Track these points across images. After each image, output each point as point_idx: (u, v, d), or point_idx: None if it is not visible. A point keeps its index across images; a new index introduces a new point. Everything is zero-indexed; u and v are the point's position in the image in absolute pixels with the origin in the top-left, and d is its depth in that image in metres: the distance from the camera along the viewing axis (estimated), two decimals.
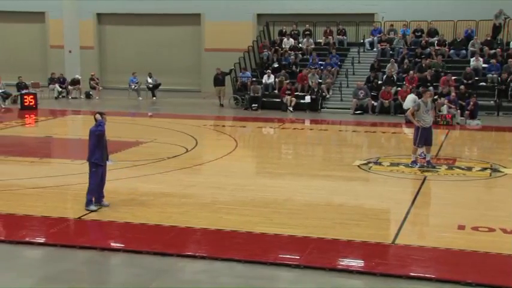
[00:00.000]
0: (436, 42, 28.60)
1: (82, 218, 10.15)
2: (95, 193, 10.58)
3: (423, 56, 27.63)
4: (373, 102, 25.26)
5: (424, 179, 13.20)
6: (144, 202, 11.12)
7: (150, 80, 30.52)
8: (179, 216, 10.25)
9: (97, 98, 30.04)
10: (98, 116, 10.66)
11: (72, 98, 30.04)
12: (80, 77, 31.09)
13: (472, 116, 22.66)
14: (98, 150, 10.47)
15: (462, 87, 24.38)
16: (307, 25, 31.38)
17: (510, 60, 25.83)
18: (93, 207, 10.47)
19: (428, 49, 28.02)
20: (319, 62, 28.78)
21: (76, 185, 12.01)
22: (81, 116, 25.22)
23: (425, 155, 14.51)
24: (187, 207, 10.78)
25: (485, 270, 7.98)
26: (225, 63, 29.05)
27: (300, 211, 10.61)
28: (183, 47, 34.63)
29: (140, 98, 29.98)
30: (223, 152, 16.28)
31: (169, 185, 12.48)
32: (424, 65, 26.59)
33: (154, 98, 30.10)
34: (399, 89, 25.29)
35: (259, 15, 33.23)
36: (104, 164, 10.64)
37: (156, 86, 30.55)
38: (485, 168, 14.29)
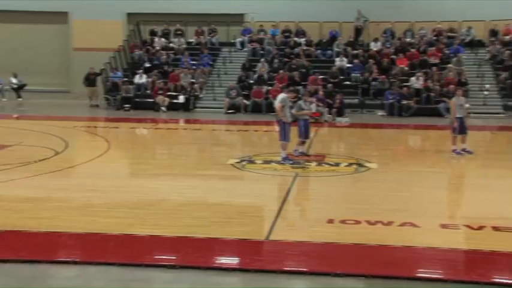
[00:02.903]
0: (304, 42, 29.57)
1: None
2: None
3: (292, 56, 28.48)
4: (245, 101, 25.69)
5: (296, 176, 13.63)
6: (11, 208, 10.61)
7: (14, 81, 29.17)
8: (49, 221, 9.87)
9: None
10: None
11: None
12: None
13: (339, 113, 23.68)
14: None
15: (330, 85, 25.41)
16: (178, 25, 31.32)
17: (371, 60, 27.25)
18: None
19: (297, 49, 28.92)
20: (191, 62, 28.84)
21: None
22: None
23: (301, 153, 15.25)
24: (58, 212, 10.42)
25: (354, 261, 8.38)
26: (95, 63, 28.37)
27: (175, 211, 10.59)
28: (50, 46, 33.40)
29: (4, 99, 28.54)
30: (96, 154, 15.89)
31: (39, 189, 11.98)
32: (293, 65, 27.45)
33: (19, 99, 28.78)
34: (270, 88, 25.90)
35: (129, 14, 32.74)
36: None
37: (21, 87, 29.24)
38: (352, 164, 14.98)
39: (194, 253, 8.55)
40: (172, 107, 25.95)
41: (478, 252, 8.75)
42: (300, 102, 15.58)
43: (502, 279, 7.86)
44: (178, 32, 31.13)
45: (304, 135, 15.65)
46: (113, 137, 19.66)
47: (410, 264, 8.34)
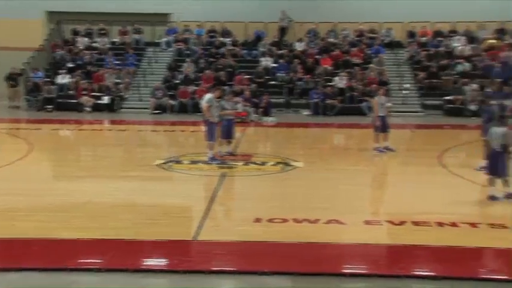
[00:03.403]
0: (229, 42, 29.66)
1: None
2: None
3: (218, 56, 28.51)
4: (171, 101, 25.52)
5: (223, 176, 13.66)
6: None
7: None
8: None
9: None
10: None
11: None
12: None
13: (266, 113, 23.90)
14: None
15: (254, 85, 25.58)
16: (102, 24, 30.76)
17: (296, 60, 27.63)
18: None
19: (223, 49, 28.97)
20: (116, 62, 28.39)
21: None
22: None
23: (227, 153, 15.38)
24: None
25: (282, 259, 8.49)
26: (15, 62, 27.48)
27: (100, 213, 10.42)
28: None
29: None
30: (17, 156, 15.40)
31: None
32: (219, 65, 27.48)
33: None
34: (197, 88, 25.84)
35: (50, 13, 31.83)
36: None
37: None
38: (278, 163, 15.15)
39: (121, 255, 8.45)
40: (97, 108, 25.47)
41: (399, 246, 9.06)
42: (223, 102, 15.56)
43: (421, 271, 8.16)
44: (102, 32, 30.58)
45: (227, 135, 15.64)
46: (35, 139, 19.10)
47: (337, 261, 8.53)
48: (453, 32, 29.35)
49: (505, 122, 11.88)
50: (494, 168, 11.28)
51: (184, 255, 8.64)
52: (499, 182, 11.33)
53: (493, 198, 11.23)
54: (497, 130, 11.36)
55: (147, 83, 27.30)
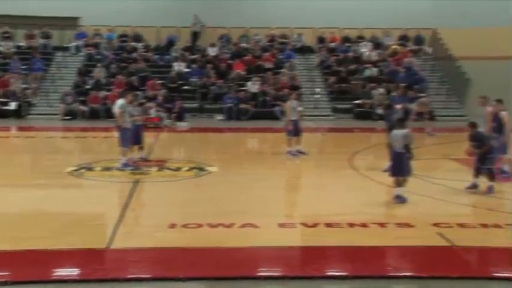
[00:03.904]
0: (141, 47, 29.35)
1: None
2: None
3: (130, 61, 28.15)
4: (82, 107, 24.97)
5: (136, 182, 13.51)
6: None
7: None
8: None
9: None
10: None
11: None
12: None
13: (179, 118, 23.80)
14: None
15: (164, 91, 25.41)
16: (6, 27, 29.68)
17: (209, 65, 27.69)
18: None
19: (135, 54, 28.63)
20: (22, 66, 27.47)
21: None
22: None
23: (140, 158, 15.24)
24: None
25: (197, 264, 8.50)
26: None
27: (9, 224, 10.06)
28: None
29: None
30: None
31: None
32: (131, 69, 27.14)
33: None
34: (108, 93, 25.40)
35: None
36: None
37: None
38: (193, 168, 15.13)
39: (31, 267, 8.20)
40: (3, 114, 24.55)
41: (313, 248, 9.27)
42: (129, 108, 15.29)
43: (334, 272, 8.39)
44: (6, 35, 29.51)
45: (136, 140, 15.26)
46: None
47: (252, 264, 8.62)
48: (360, 38, 30.32)
49: (405, 124, 12.41)
50: (398, 169, 11.75)
51: (97, 264, 8.48)
52: (406, 181, 11.80)
53: (399, 198, 11.68)
54: (399, 132, 11.85)
55: (56, 89, 26.58)
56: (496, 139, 13.27)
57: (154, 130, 21.69)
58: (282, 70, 27.86)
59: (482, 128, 12.97)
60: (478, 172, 12.57)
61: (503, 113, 13.71)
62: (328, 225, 10.16)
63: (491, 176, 12.47)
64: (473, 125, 12.66)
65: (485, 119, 13.56)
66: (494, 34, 28.87)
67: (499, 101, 13.99)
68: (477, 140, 12.47)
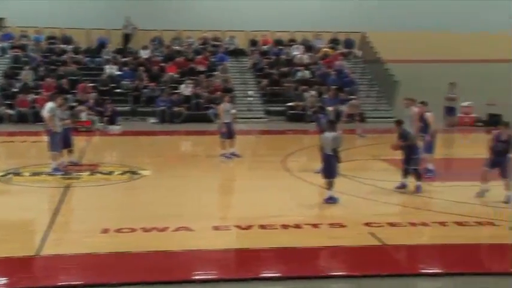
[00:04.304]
0: (71, 49, 28.74)
1: None
2: None
3: (59, 63, 27.52)
4: (9, 110, 24.24)
5: (67, 187, 13.22)
6: None
7: None
8: None
9: None
10: None
11: None
12: None
13: (111, 121, 23.44)
14: None
15: (94, 94, 24.98)
16: None
17: (141, 68, 27.40)
18: None
19: (64, 56, 28.02)
20: None
21: None
22: None
23: (71, 163, 14.82)
24: None
25: (131, 269, 8.40)
26: None
27: None
28: None
29: None
30: None
31: None
32: (60, 72, 26.53)
33: None
34: (37, 96, 24.74)
35: None
36: None
37: None
38: (126, 172, 14.93)
39: None
40: None
41: (247, 250, 9.31)
42: (59, 111, 14.91)
43: (268, 273, 8.46)
44: None
45: (65, 144, 14.89)
46: None
47: (187, 268, 8.59)
48: (292, 41, 30.65)
49: (336, 126, 12.65)
50: (328, 171, 11.96)
51: (26, 272, 8.26)
52: (334, 183, 12.02)
53: (330, 199, 11.89)
54: (328, 135, 12.07)
55: None
56: (423, 139, 13.79)
57: (85, 134, 21.28)
58: (215, 73, 27.86)
59: (409, 129, 13.39)
60: (406, 172, 12.95)
61: (428, 114, 14.26)
62: (262, 227, 10.24)
63: (418, 176, 12.86)
64: (399, 123, 13.08)
65: (411, 120, 14.04)
66: (420, 38, 29.82)
67: (424, 103, 14.56)
68: (403, 137, 12.87)
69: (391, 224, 10.58)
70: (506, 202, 11.83)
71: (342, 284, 8.39)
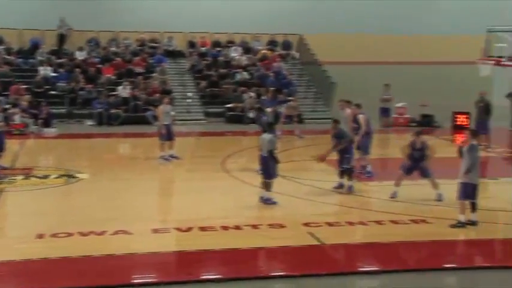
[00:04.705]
0: (3, 50, 27.94)
1: None
2: None
3: None
4: None
5: (0, 191, 12.85)
6: None
7: None
8: None
9: None
10: None
11: None
12: None
13: (46, 124, 22.90)
14: None
15: (28, 96, 24.34)
16: None
17: (77, 69, 26.88)
18: None
19: None
20: None
21: None
22: None
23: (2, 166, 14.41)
24: None
25: (68, 275, 8.24)
26: None
27: None
28: None
29: None
30: None
31: None
32: None
33: None
34: None
35: None
36: None
37: None
38: (62, 175, 14.62)
39: None
40: None
41: (187, 252, 9.28)
42: None
43: (208, 275, 8.46)
44: None
45: None
46: None
47: (126, 272, 8.49)
48: (230, 43, 30.70)
49: (273, 128, 12.77)
50: (266, 172, 12.05)
51: None
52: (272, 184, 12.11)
53: (269, 200, 11.98)
54: (265, 136, 12.16)
55: None
56: (357, 139, 14.10)
57: (19, 137, 20.68)
58: (153, 74, 27.58)
59: (345, 129, 13.67)
60: (341, 173, 13.18)
61: (360, 116, 14.59)
62: (202, 229, 10.23)
63: (350, 176, 13.08)
64: (336, 122, 13.31)
65: (345, 121, 14.34)
66: (357, 40, 30.42)
67: (358, 105, 14.88)
68: (338, 136, 13.10)
69: (330, 224, 10.76)
70: (438, 200, 12.22)
71: (281, 284, 8.47)
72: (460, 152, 10.73)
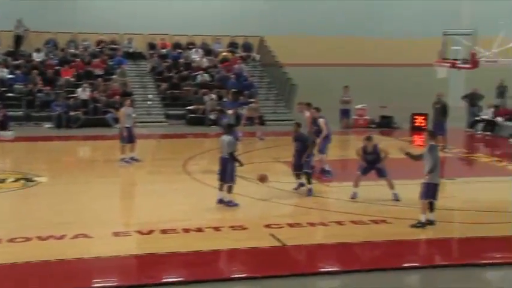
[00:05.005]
0: None
1: None
2: None
3: None
4: None
5: None
6: None
7: None
8: None
9: None
10: None
11: None
12: None
13: (3, 127, 22.47)
14: None
15: None
16: None
17: (34, 71, 26.45)
18: None
19: None
20: None
21: None
22: None
23: None
24: None
25: (25, 280, 8.13)
26: None
27: None
28: None
29: None
30: None
31: None
32: None
33: None
34: None
35: None
36: None
37: None
38: (19, 179, 14.37)
39: None
40: None
41: (148, 255, 9.22)
42: None
43: (171, 278, 8.42)
44: None
45: None
46: None
47: (86, 276, 8.40)
48: (191, 45, 30.62)
49: (232, 130, 12.78)
50: (223, 174, 12.05)
51: None
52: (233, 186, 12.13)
53: (230, 202, 11.99)
54: (225, 138, 12.17)
55: None
56: (318, 141, 14.24)
57: None
58: (113, 76, 27.32)
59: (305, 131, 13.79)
60: (297, 175, 13.26)
61: (320, 120, 14.75)
62: (164, 231, 10.18)
63: (309, 179, 13.15)
64: (298, 125, 13.41)
65: (304, 124, 14.47)
66: (318, 42, 30.69)
67: (317, 108, 15.03)
68: (299, 140, 13.19)
69: (291, 225, 10.83)
70: (396, 200, 12.41)
71: (244, 286, 8.50)
72: (411, 156, 11.00)
